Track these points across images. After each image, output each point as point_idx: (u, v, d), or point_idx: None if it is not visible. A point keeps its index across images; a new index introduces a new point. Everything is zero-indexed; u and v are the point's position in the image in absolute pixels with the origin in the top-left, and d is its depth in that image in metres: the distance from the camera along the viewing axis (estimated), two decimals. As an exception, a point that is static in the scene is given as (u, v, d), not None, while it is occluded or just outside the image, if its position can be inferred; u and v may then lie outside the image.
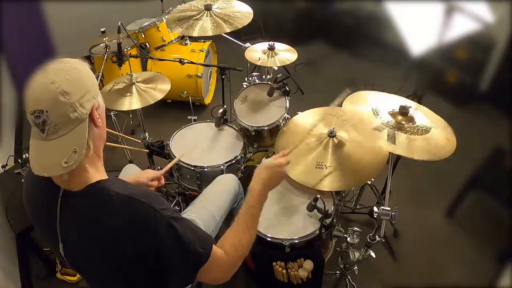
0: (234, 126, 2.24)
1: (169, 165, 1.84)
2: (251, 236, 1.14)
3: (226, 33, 2.35)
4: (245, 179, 2.02)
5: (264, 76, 2.43)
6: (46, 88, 0.85)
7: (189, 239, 0.99)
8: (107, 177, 1.01)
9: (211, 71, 3.49)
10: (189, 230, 1.01)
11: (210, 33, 2.15)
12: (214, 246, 1.06)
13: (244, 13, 2.27)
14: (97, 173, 0.99)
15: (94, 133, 0.94)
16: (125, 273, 1.03)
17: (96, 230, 0.95)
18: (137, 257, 0.96)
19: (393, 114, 1.44)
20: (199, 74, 3.13)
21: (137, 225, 0.94)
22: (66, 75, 0.87)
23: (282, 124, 2.05)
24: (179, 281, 1.07)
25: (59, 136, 0.87)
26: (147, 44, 3.23)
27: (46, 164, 0.87)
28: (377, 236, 1.45)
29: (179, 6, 3.23)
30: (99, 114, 0.95)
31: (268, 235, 1.62)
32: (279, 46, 2.25)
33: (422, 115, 1.47)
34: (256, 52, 2.24)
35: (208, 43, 3.35)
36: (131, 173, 1.71)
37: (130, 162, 2.64)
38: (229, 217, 1.72)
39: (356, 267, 1.70)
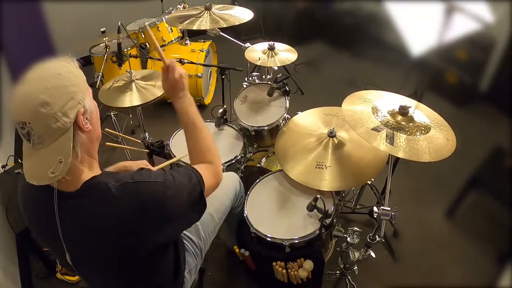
0: (234, 126, 2.24)
1: (166, 163, 1.82)
2: (206, 130, 1.25)
3: (226, 33, 2.36)
4: (245, 179, 2.02)
5: (264, 76, 2.42)
6: (26, 99, 0.84)
7: (184, 183, 1.05)
8: (100, 172, 1.01)
9: (211, 71, 3.50)
10: (178, 178, 1.05)
11: (208, 27, 2.19)
12: (196, 167, 1.14)
13: (243, 15, 2.28)
14: (90, 171, 0.98)
15: (82, 139, 0.92)
16: (134, 266, 1.04)
17: (100, 225, 0.95)
18: (148, 239, 0.98)
19: (392, 114, 1.44)
20: (199, 74, 3.13)
21: (144, 206, 0.96)
22: (47, 84, 0.85)
23: (282, 124, 2.05)
24: (190, 223, 1.17)
25: (44, 147, 0.86)
26: (147, 44, 3.24)
27: (34, 173, 0.88)
28: (377, 236, 1.45)
29: (178, 6, 3.25)
30: (87, 118, 0.92)
31: (268, 235, 1.62)
32: (279, 46, 2.25)
33: (422, 114, 1.47)
34: (256, 52, 2.24)
35: (208, 43, 3.35)
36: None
37: (130, 162, 2.64)
38: (230, 221, 1.71)
39: (356, 267, 1.70)
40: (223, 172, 1.90)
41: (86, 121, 0.92)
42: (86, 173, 0.97)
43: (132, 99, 1.98)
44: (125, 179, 0.98)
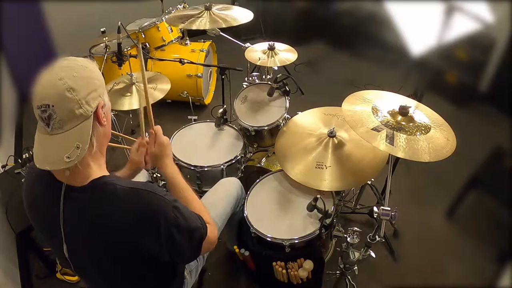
0: (234, 126, 2.24)
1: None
2: (194, 194, 1.27)
3: (226, 33, 2.36)
4: (245, 179, 2.03)
5: (264, 76, 2.42)
6: (53, 83, 0.86)
7: (190, 217, 1.06)
8: (109, 174, 1.03)
9: (211, 71, 3.49)
10: (187, 210, 1.07)
11: (207, 27, 2.21)
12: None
13: (243, 16, 2.29)
14: (100, 170, 1.00)
15: (99, 131, 0.95)
16: (134, 266, 1.04)
17: (104, 224, 0.95)
18: (149, 248, 0.98)
19: (392, 114, 1.44)
20: (199, 74, 3.13)
21: (148, 214, 0.96)
22: (74, 72, 0.89)
23: (282, 124, 2.05)
24: (185, 259, 1.21)
25: (63, 131, 0.88)
26: (147, 44, 3.23)
27: (49, 158, 0.89)
28: (377, 236, 1.45)
29: (178, 6, 3.25)
30: (104, 113, 0.96)
31: (268, 235, 1.62)
32: (279, 46, 2.25)
33: (422, 114, 1.47)
34: (256, 52, 2.24)
35: (208, 43, 3.35)
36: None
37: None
38: (231, 221, 1.72)
39: (356, 267, 1.69)
40: (222, 173, 1.93)
41: (104, 114, 0.96)
42: (96, 171, 0.98)
43: (131, 102, 1.98)
44: (135, 185, 1.00)
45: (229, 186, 1.76)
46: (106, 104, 0.97)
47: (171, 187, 1.25)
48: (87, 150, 0.89)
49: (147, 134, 1.35)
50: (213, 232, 1.18)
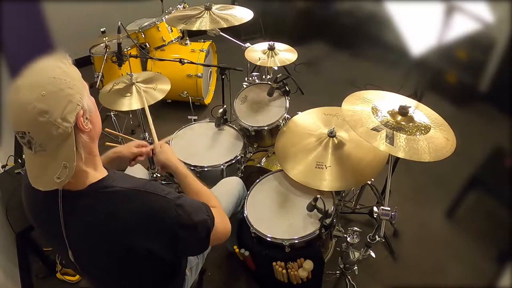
0: (234, 126, 2.24)
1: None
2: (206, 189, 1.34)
3: (226, 33, 2.36)
4: (245, 179, 2.02)
5: (264, 76, 2.42)
6: (23, 109, 0.80)
7: (195, 211, 1.06)
8: (107, 173, 1.01)
9: (211, 71, 3.49)
10: (191, 204, 1.06)
11: (208, 27, 2.21)
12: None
13: (243, 15, 2.29)
14: (96, 172, 0.98)
15: (84, 139, 0.90)
16: (137, 266, 1.04)
17: (106, 227, 0.95)
18: (152, 248, 0.98)
19: (392, 114, 1.43)
20: (199, 74, 3.13)
21: (149, 215, 0.96)
22: (42, 91, 0.80)
23: (282, 124, 2.05)
24: (193, 254, 1.25)
25: (47, 153, 0.85)
26: (147, 44, 3.24)
27: (39, 178, 0.87)
28: (377, 236, 1.45)
29: (178, 6, 3.25)
30: (87, 118, 0.89)
31: (268, 235, 1.62)
32: (279, 46, 2.25)
33: (422, 114, 1.47)
34: (256, 52, 2.23)
35: (208, 43, 3.35)
36: (135, 172, 1.71)
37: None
38: (231, 221, 1.71)
39: (356, 267, 1.70)
40: (222, 173, 1.92)
41: (87, 121, 0.89)
42: (92, 174, 0.96)
43: (131, 103, 1.98)
44: (135, 186, 0.98)
45: (231, 184, 1.77)
46: (87, 108, 0.89)
47: (179, 181, 1.32)
48: (77, 161, 0.87)
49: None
50: (222, 223, 1.17)
